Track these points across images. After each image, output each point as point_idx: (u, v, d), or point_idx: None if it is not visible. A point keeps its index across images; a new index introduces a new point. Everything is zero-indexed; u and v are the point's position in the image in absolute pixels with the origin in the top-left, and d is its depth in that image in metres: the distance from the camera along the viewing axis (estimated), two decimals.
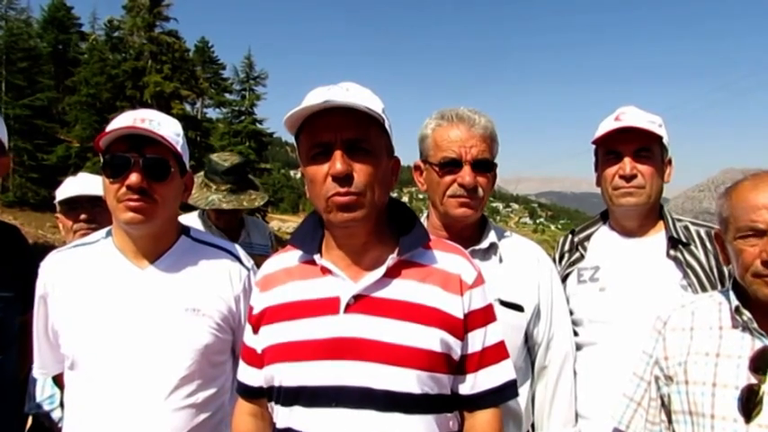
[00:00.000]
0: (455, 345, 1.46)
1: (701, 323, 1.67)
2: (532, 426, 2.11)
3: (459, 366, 1.49)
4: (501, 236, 2.12)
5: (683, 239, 2.16)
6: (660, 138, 2.16)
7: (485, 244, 2.04)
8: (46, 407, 2.53)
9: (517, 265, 2.06)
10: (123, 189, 1.69)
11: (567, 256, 2.37)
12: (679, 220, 2.23)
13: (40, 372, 1.99)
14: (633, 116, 2.18)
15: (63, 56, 48.13)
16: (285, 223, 60.49)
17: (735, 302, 1.60)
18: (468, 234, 2.05)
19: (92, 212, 2.77)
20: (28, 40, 38.29)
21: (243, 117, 51.33)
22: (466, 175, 1.93)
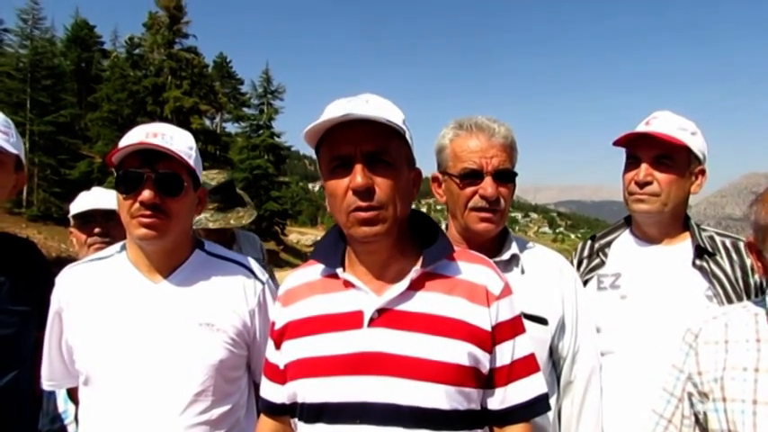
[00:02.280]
0: (483, 358, 1.42)
1: (736, 336, 1.59)
2: None
3: (488, 380, 1.45)
4: (522, 247, 2.06)
5: (709, 249, 2.10)
6: (687, 146, 2.09)
7: (506, 255, 1.98)
8: (59, 423, 2.51)
9: (540, 276, 2.00)
10: (136, 205, 1.68)
11: (585, 262, 2.32)
12: (704, 230, 2.17)
13: (48, 384, 1.99)
14: (661, 122, 2.12)
15: (86, 73, 49.22)
16: (304, 236, 60.86)
17: None
18: (489, 245, 1.99)
19: (105, 226, 2.76)
20: (52, 58, 39.12)
21: (261, 131, 51.95)
22: (488, 186, 1.88)
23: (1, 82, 34.19)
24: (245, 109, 55.58)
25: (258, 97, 53.92)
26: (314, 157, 1.49)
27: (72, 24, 51.27)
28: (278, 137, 51.91)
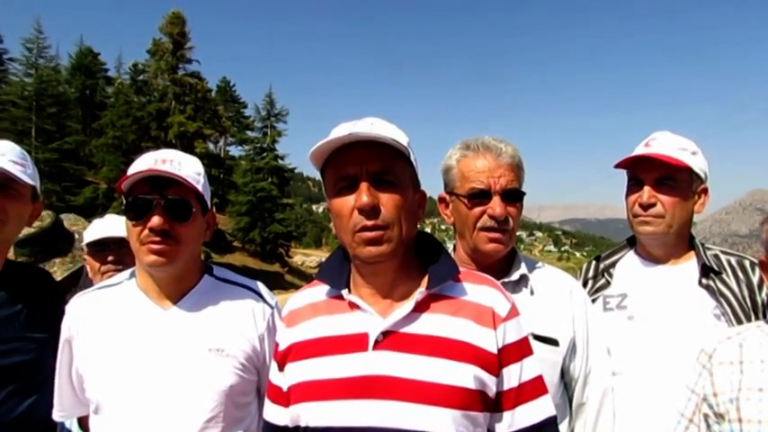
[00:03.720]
0: (490, 381, 1.40)
1: (751, 356, 1.57)
2: None
3: (496, 404, 1.42)
4: (531, 267, 2.05)
5: (715, 268, 2.10)
6: (689, 167, 2.10)
7: (515, 276, 1.97)
8: None
9: (549, 297, 1.99)
10: (146, 231, 1.68)
11: (591, 282, 2.31)
12: (708, 249, 2.17)
13: (60, 415, 1.97)
14: (662, 143, 2.13)
15: (90, 100, 49.80)
16: (308, 257, 60.82)
17: None
18: (498, 266, 1.98)
19: (118, 254, 2.78)
20: (57, 86, 39.62)
21: (265, 154, 52.27)
22: (496, 206, 1.88)
23: (6, 110, 34.61)
24: (249, 132, 56.06)
25: (261, 120, 54.34)
26: (318, 178, 1.49)
27: (76, 52, 52.01)
28: (281, 159, 52.20)
